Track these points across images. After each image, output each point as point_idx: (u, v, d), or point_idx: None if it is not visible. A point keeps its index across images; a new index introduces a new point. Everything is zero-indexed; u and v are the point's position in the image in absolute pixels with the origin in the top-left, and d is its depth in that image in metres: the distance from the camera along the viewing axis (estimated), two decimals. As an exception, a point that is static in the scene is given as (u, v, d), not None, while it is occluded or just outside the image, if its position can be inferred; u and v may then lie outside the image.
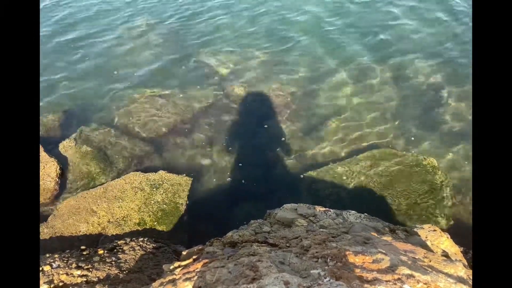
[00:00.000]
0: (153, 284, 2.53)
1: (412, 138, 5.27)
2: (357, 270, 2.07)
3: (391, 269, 2.04)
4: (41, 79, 7.23)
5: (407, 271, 2.00)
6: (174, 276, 2.47)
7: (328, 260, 2.21)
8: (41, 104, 6.53)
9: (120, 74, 7.25)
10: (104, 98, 6.67)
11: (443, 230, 4.00)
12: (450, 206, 4.32)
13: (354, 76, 6.53)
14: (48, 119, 6.22)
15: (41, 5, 10.24)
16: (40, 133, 5.92)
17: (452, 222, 4.19)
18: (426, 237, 2.63)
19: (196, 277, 2.36)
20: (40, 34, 8.83)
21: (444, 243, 2.59)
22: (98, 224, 4.15)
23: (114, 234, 4.07)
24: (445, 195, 4.40)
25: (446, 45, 6.97)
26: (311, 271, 2.15)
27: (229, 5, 9.19)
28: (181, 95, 6.53)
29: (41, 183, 4.79)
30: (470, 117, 5.23)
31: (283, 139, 5.52)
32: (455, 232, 3.93)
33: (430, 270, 2.08)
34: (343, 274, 2.05)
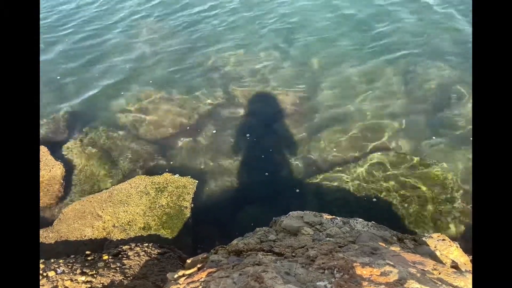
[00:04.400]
0: (157, 293, 2.50)
1: (421, 142, 5.18)
2: (365, 283, 2.02)
3: (400, 282, 1.99)
4: (46, 79, 7.26)
5: (416, 285, 1.95)
6: (178, 286, 2.44)
7: (335, 271, 2.17)
8: (46, 105, 6.55)
9: (126, 76, 7.25)
10: (109, 100, 6.68)
11: (453, 237, 3.94)
12: (461, 212, 4.24)
13: (361, 79, 6.45)
14: (53, 120, 6.23)
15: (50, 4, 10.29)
16: (45, 134, 5.94)
17: (462, 229, 4.10)
18: (435, 247, 2.57)
19: (200, 287, 2.33)
20: (45, 33, 8.87)
21: (454, 253, 2.53)
22: (103, 229, 4.14)
23: (119, 238, 4.05)
24: (455, 200, 4.32)
25: (455, 46, 6.86)
26: (317, 283, 2.11)
27: (236, 7, 9.15)
28: (186, 97, 6.52)
29: (46, 185, 4.80)
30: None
31: (289, 142, 5.48)
32: (466, 239, 3.87)
33: (439, 283, 2.03)
34: (350, 287, 2.00)
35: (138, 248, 3.60)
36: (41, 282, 3.05)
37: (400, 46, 7.05)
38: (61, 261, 3.40)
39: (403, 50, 6.94)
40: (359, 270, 2.10)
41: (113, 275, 3.16)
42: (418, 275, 2.06)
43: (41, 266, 3.28)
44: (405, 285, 1.93)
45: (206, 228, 4.46)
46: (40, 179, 4.79)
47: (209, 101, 6.39)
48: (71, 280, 3.08)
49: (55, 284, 3.02)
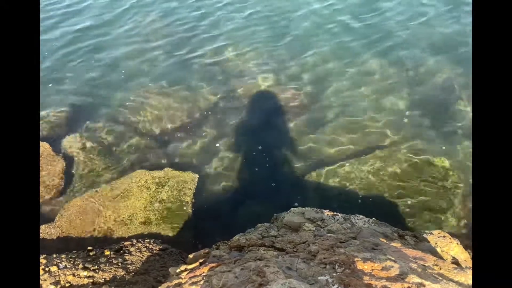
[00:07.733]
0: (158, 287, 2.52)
1: (423, 138, 5.19)
2: (366, 278, 2.04)
3: (401, 277, 2.01)
4: (48, 75, 7.25)
5: (417, 279, 1.96)
6: (180, 280, 2.45)
7: (336, 266, 2.18)
8: (47, 99, 6.55)
9: (127, 71, 7.24)
10: (110, 94, 6.67)
11: (454, 234, 3.95)
12: (462, 209, 4.25)
13: (363, 75, 6.44)
14: (54, 115, 6.23)
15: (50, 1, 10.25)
16: (46, 129, 5.94)
17: (463, 226, 4.12)
18: (436, 243, 2.59)
19: (202, 282, 2.34)
20: (46, 29, 8.84)
21: (454, 249, 2.55)
22: (105, 224, 4.15)
23: (120, 234, 4.07)
24: (456, 197, 4.33)
25: (459, 44, 6.84)
26: (319, 278, 2.12)
27: (238, 4, 9.11)
28: (187, 93, 6.51)
29: (47, 180, 4.81)
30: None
31: (290, 138, 5.48)
32: (466, 236, 3.89)
33: (440, 278, 2.04)
34: (352, 281, 2.02)
35: (139, 244, 3.62)
36: (43, 277, 3.06)
37: (404, 44, 7.03)
38: (63, 256, 3.41)
39: (403, 47, 6.92)
40: (360, 265, 2.12)
41: (115, 271, 3.18)
42: (419, 270, 2.07)
43: (43, 261, 3.30)
44: (406, 280, 1.95)
45: (207, 224, 4.47)
46: (41, 175, 4.80)
47: (209, 96, 6.39)
48: (73, 275, 3.09)
49: (57, 279, 3.03)
